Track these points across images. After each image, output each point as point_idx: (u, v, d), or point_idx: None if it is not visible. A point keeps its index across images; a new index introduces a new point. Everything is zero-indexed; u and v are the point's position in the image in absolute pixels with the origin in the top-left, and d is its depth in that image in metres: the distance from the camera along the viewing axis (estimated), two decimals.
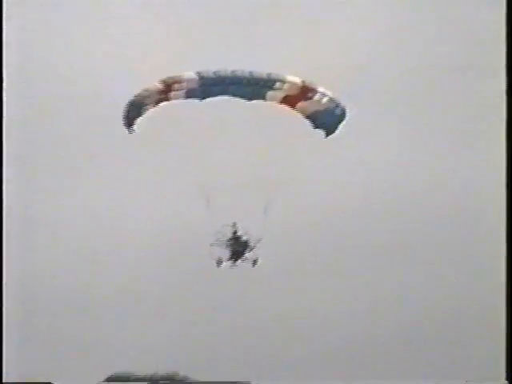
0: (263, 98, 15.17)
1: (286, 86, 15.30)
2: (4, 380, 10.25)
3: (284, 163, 14.43)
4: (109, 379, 31.33)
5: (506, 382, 10.21)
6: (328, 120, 15.45)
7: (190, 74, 14.84)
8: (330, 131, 15.58)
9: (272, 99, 15.25)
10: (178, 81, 14.84)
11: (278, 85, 15.15)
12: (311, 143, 15.03)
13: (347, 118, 15.67)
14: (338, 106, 15.78)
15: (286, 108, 15.18)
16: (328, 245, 37.44)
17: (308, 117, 15.45)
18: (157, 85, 14.88)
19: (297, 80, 15.39)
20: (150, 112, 14.96)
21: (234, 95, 14.93)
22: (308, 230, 36.97)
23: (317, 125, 15.50)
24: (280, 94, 15.26)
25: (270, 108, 14.95)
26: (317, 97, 15.50)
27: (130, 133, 15.15)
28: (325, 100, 15.61)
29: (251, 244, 15.80)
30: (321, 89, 15.63)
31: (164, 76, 14.93)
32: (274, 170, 14.64)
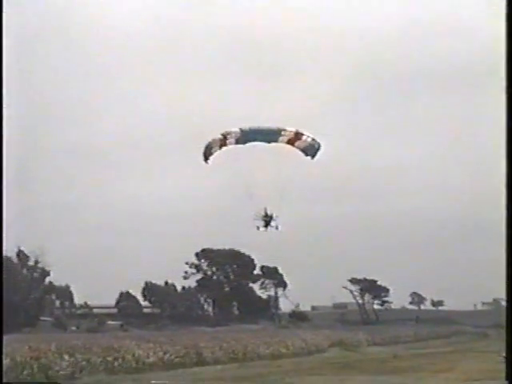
0: (276, 141, 25.43)
1: (287, 133, 25.57)
2: (4, 380, 10.33)
3: (290, 173, 24.90)
4: None
5: (506, 382, 10.15)
6: (311, 151, 26.04)
7: (235, 129, 25.33)
8: (313, 156, 26.21)
9: (282, 142, 25.50)
10: (229, 133, 25.29)
11: (284, 133, 25.49)
12: (304, 162, 26.23)
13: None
14: (316, 142, 25.91)
15: (289, 146, 25.62)
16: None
17: (301, 150, 25.91)
18: (219, 135, 25.33)
19: (293, 129, 25.75)
20: (217, 152, 25.57)
21: (260, 141, 25.29)
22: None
23: (306, 154, 26.00)
24: (286, 138, 25.52)
25: (281, 147, 25.45)
26: (304, 138, 25.78)
27: (207, 163, 25.68)
28: (309, 139, 25.84)
29: (274, 218, 26.39)
30: (306, 133, 25.80)
31: (222, 131, 25.48)
32: (285, 176, 24.77)
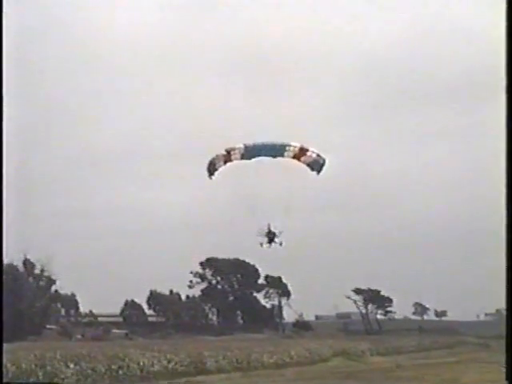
0: (282, 156, 25.30)
1: (292, 149, 25.40)
2: (4, 380, 10.65)
3: (294, 186, 25.00)
4: None
5: (506, 382, 10.44)
6: (316, 166, 25.87)
7: (240, 144, 25.35)
8: (318, 172, 26.09)
9: (288, 157, 25.38)
10: (233, 148, 25.27)
11: (289, 148, 25.37)
12: (310, 177, 26.18)
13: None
14: (320, 157, 25.83)
15: (295, 161, 25.47)
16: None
17: (307, 165, 25.77)
18: (222, 152, 25.36)
19: (297, 144, 25.63)
20: (222, 168, 25.55)
21: (266, 156, 25.10)
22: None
23: (312, 169, 25.86)
24: (291, 154, 25.40)
25: (287, 162, 25.38)
26: (309, 153, 25.66)
27: (211, 179, 25.66)
28: (314, 155, 25.71)
29: (277, 234, 26.46)
30: (311, 148, 25.75)
31: (226, 147, 25.54)
32: (290, 192, 24.89)
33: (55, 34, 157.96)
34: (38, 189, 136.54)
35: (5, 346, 49.80)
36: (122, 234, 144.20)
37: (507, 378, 10.44)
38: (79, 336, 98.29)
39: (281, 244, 26.75)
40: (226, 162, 25.51)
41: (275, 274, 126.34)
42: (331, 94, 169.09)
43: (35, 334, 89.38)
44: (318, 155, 25.89)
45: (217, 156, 25.61)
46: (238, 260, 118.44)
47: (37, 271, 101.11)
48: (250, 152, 25.30)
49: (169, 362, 39.58)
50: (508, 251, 10.38)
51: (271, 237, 26.43)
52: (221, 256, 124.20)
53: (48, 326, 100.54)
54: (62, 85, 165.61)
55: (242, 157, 25.35)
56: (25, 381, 14.62)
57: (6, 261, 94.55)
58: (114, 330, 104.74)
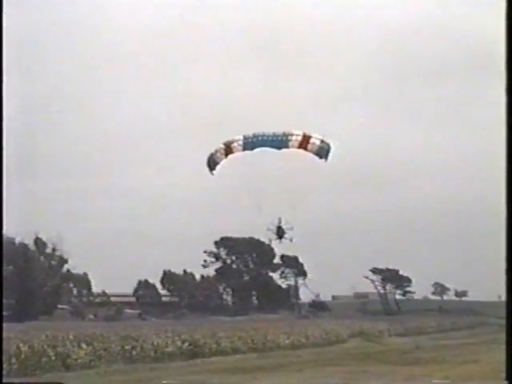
0: (287, 147, 24.22)
1: (295, 137, 24.28)
2: (4, 380, 9.98)
3: (304, 178, 23.79)
4: None
5: (506, 382, 9.65)
6: (323, 153, 24.69)
7: (239, 136, 24.44)
8: (326, 158, 24.83)
9: (292, 147, 24.21)
10: (233, 141, 24.36)
11: (291, 137, 24.24)
12: (318, 165, 24.79)
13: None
14: (325, 143, 24.73)
15: (301, 151, 24.34)
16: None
17: (314, 153, 24.56)
18: (221, 145, 24.53)
19: (300, 132, 24.53)
20: (224, 161, 24.54)
21: (269, 147, 24.18)
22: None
23: (320, 156, 24.66)
24: (296, 143, 24.27)
25: (292, 152, 24.20)
26: (312, 140, 24.48)
27: (212, 174, 24.82)
28: (318, 142, 24.54)
29: (288, 229, 25.62)
30: (314, 135, 24.63)
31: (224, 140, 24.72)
32: (299, 182, 23.85)
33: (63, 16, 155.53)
34: (50, 169, 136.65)
35: (17, 325, 50.00)
36: (135, 214, 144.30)
37: (507, 378, 9.57)
38: (92, 316, 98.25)
39: (291, 240, 25.99)
40: (227, 155, 24.56)
41: (291, 254, 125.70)
42: (346, 72, 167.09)
43: (47, 313, 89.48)
44: (322, 141, 24.78)
45: (216, 150, 24.77)
46: (253, 239, 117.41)
47: (48, 250, 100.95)
48: (251, 143, 24.35)
49: (183, 342, 38.92)
50: (508, 252, 9.46)
51: (281, 233, 25.71)
52: (235, 235, 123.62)
53: (60, 306, 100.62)
54: (74, 69, 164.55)
55: (244, 148, 24.42)
56: (25, 381, 14.09)
57: (17, 240, 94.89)
58: (127, 310, 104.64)
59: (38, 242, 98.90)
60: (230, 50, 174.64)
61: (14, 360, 28.39)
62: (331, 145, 25.05)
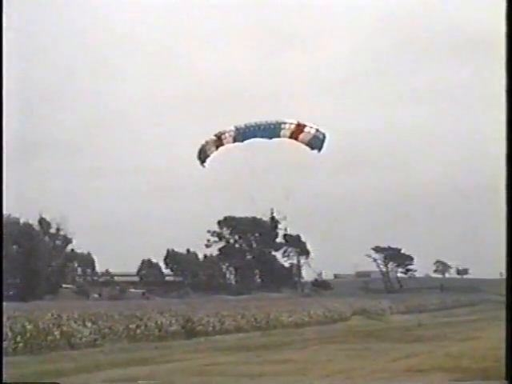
0: (278, 136, 23.28)
1: (288, 126, 23.30)
2: (4, 380, 10.16)
3: (295, 171, 24.92)
4: None
5: (506, 382, 9.81)
6: (316, 143, 23.77)
7: (230, 127, 23.56)
8: (319, 149, 23.98)
9: (284, 136, 23.35)
10: (224, 132, 23.51)
11: (284, 126, 23.26)
12: (311, 156, 24.24)
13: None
14: (320, 132, 23.74)
15: (293, 141, 23.43)
16: None
17: (306, 144, 23.70)
18: (212, 137, 23.71)
19: (294, 121, 23.55)
20: (214, 153, 23.84)
21: (260, 137, 23.31)
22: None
23: (312, 148, 23.85)
24: (288, 132, 23.33)
25: (284, 142, 23.50)
26: (307, 129, 23.52)
27: (203, 166, 23.94)
28: (312, 131, 23.56)
29: (281, 219, 25.79)
30: (308, 124, 23.73)
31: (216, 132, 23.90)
32: (290, 175, 24.86)
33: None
34: (54, 149, 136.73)
35: (22, 304, 50.26)
36: (138, 193, 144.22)
37: (507, 378, 9.73)
38: (96, 295, 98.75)
39: (286, 230, 26.39)
40: (217, 147, 23.93)
41: (294, 233, 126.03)
42: (349, 50, 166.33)
43: (52, 293, 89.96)
44: (317, 130, 23.91)
45: (206, 142, 24.10)
46: (255, 218, 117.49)
47: (52, 230, 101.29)
48: (243, 134, 23.61)
49: (187, 321, 39.21)
50: (508, 249, 9.59)
51: (274, 224, 25.96)
52: (238, 215, 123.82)
53: (64, 286, 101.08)
54: (79, 49, 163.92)
55: (235, 140, 23.72)
56: (25, 381, 14.35)
57: (22, 220, 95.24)
58: (131, 290, 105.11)
59: (42, 221, 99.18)
60: (228, 29, 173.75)
61: (19, 338, 28.62)
62: (326, 135, 24.23)
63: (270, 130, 23.38)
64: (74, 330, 32.09)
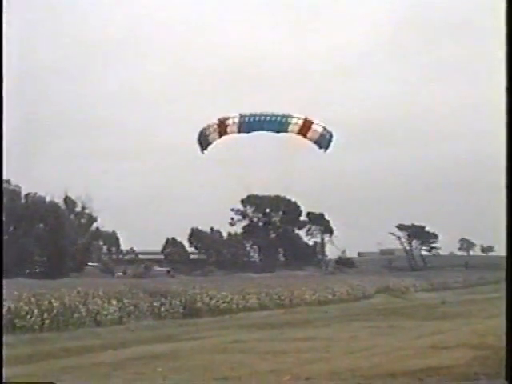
0: (286, 131, 22.21)
1: (295, 121, 22.16)
2: (4, 380, 10.33)
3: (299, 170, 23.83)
4: None
5: (506, 382, 9.77)
6: (323, 143, 22.74)
7: (235, 114, 22.13)
8: (326, 148, 22.96)
9: (292, 132, 22.21)
10: (227, 118, 22.12)
11: (291, 120, 22.08)
12: (318, 155, 23.16)
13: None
14: (327, 131, 22.70)
15: (301, 138, 22.33)
16: None
17: (314, 142, 22.67)
18: (215, 121, 22.25)
19: (302, 116, 22.37)
20: (217, 141, 22.46)
21: (267, 129, 22.14)
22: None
23: (320, 146, 22.78)
24: (296, 128, 22.20)
25: (292, 138, 22.32)
26: (314, 126, 22.38)
27: (203, 153, 22.61)
28: (320, 129, 22.46)
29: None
30: (316, 120, 22.61)
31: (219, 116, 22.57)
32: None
33: None
34: (77, 130, 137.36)
35: (49, 282, 50.71)
36: (163, 172, 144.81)
37: (507, 378, 9.69)
38: (121, 273, 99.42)
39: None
40: (220, 135, 22.50)
41: (317, 211, 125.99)
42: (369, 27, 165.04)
43: (77, 271, 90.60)
44: (325, 128, 22.70)
45: (208, 126, 22.64)
46: (278, 197, 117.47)
47: (78, 209, 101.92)
48: (248, 124, 22.20)
49: (211, 299, 39.40)
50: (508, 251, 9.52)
51: (267, 220, 25.64)
52: (261, 193, 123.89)
53: (90, 264, 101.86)
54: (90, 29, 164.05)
55: (239, 129, 22.36)
56: (25, 381, 14.59)
57: (47, 198, 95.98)
58: (156, 268, 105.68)
59: (67, 200, 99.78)
60: (245, 7, 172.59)
61: (46, 315, 28.95)
62: (333, 134, 23.02)
63: (278, 124, 22.11)
64: (99, 307, 32.36)
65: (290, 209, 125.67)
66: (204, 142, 22.61)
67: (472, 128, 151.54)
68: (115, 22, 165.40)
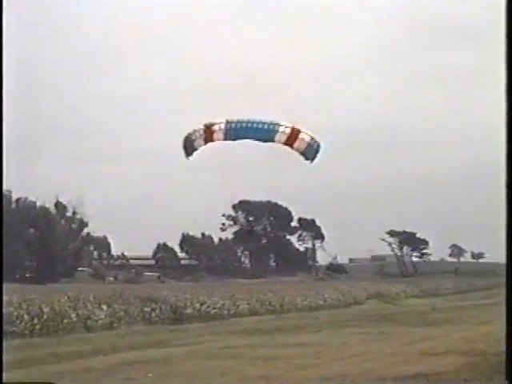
0: (273, 140, 21.36)
1: (282, 129, 21.25)
2: (4, 380, 10.34)
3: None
4: None
5: (506, 381, 9.84)
6: (310, 153, 21.80)
7: (221, 119, 21.31)
8: (312, 160, 22.02)
9: (279, 141, 21.38)
10: (213, 124, 21.31)
11: (278, 128, 21.24)
12: (303, 165, 22.12)
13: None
14: (315, 141, 21.68)
15: (287, 148, 21.58)
16: None
17: (301, 153, 21.74)
18: (201, 126, 21.39)
19: (289, 124, 21.45)
20: (202, 148, 21.68)
21: (254, 138, 21.39)
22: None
23: (306, 158, 21.89)
24: (283, 138, 21.29)
25: (278, 148, 21.63)
26: (301, 135, 21.39)
27: (188, 159, 21.85)
28: (307, 138, 21.46)
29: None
30: (304, 130, 21.61)
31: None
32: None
33: None
34: (69, 133, 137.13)
35: (39, 287, 50.57)
36: (154, 176, 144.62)
37: (507, 378, 9.75)
38: (111, 278, 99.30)
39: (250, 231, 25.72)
40: (206, 141, 21.63)
41: (309, 217, 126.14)
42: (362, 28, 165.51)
43: (68, 276, 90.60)
44: (312, 138, 21.73)
45: (194, 131, 21.80)
46: (270, 202, 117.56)
47: (69, 214, 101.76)
48: (235, 132, 21.41)
49: (201, 304, 39.42)
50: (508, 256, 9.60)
51: (250, 229, 25.21)
52: (253, 199, 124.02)
53: (80, 269, 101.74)
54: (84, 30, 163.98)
55: (225, 136, 21.47)
56: (25, 381, 14.56)
57: (38, 203, 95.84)
58: (146, 273, 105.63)
59: (58, 205, 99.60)
60: (238, 17, 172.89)
61: (36, 321, 28.88)
62: (321, 144, 22.02)
63: (265, 132, 21.34)
64: (90, 312, 32.32)
65: (281, 214, 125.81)
66: (189, 147, 21.83)
67: (465, 134, 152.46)
68: (111, 24, 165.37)
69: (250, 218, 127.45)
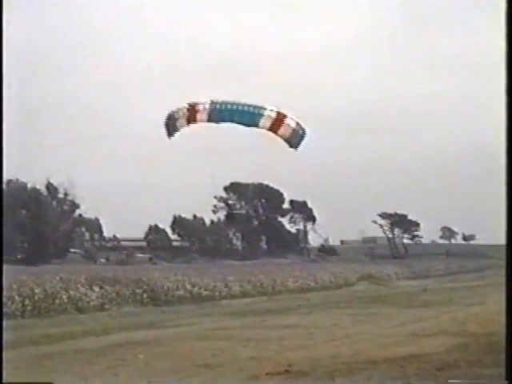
0: (257, 125, 20.08)
1: (267, 113, 19.87)
2: (4, 380, 10.33)
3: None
4: None
5: (506, 382, 9.87)
6: (295, 141, 20.45)
7: (206, 100, 19.97)
8: (296, 147, 20.62)
9: (263, 126, 20.08)
10: (197, 104, 20.05)
11: (264, 112, 19.86)
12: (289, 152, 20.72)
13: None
14: (300, 127, 20.33)
15: (272, 134, 20.18)
16: None
17: (285, 140, 20.39)
18: (185, 105, 20.10)
19: (274, 108, 19.99)
20: (184, 129, 20.41)
21: (237, 122, 20.09)
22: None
23: (291, 145, 20.50)
24: (268, 123, 19.99)
25: (261, 134, 20.21)
26: (286, 121, 20.01)
27: (170, 139, 20.32)
28: (292, 124, 20.08)
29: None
30: (290, 115, 20.25)
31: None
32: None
33: None
34: (60, 115, 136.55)
35: (30, 268, 50.46)
36: (146, 159, 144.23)
37: (507, 378, 9.77)
38: (103, 260, 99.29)
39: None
40: (189, 121, 20.60)
41: (300, 199, 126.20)
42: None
43: (60, 257, 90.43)
44: (298, 124, 20.51)
45: (178, 110, 20.69)
46: (261, 184, 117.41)
47: (60, 195, 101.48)
48: (219, 114, 20.43)
49: (193, 286, 39.49)
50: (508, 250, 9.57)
51: (232, 213, 24.53)
52: (245, 181, 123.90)
53: (72, 250, 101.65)
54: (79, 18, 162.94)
55: (209, 118, 20.42)
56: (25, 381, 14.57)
57: (29, 185, 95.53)
58: (138, 255, 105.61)
59: (49, 187, 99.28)
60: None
61: (27, 302, 28.88)
62: (306, 131, 20.71)
63: (249, 116, 20.34)
64: (81, 294, 32.32)
65: (272, 196, 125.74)
66: (172, 126, 20.72)
67: (457, 118, 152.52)
68: (103, 14, 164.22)
69: (242, 202, 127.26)
